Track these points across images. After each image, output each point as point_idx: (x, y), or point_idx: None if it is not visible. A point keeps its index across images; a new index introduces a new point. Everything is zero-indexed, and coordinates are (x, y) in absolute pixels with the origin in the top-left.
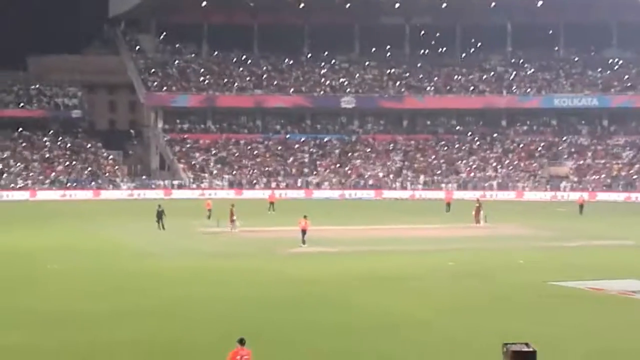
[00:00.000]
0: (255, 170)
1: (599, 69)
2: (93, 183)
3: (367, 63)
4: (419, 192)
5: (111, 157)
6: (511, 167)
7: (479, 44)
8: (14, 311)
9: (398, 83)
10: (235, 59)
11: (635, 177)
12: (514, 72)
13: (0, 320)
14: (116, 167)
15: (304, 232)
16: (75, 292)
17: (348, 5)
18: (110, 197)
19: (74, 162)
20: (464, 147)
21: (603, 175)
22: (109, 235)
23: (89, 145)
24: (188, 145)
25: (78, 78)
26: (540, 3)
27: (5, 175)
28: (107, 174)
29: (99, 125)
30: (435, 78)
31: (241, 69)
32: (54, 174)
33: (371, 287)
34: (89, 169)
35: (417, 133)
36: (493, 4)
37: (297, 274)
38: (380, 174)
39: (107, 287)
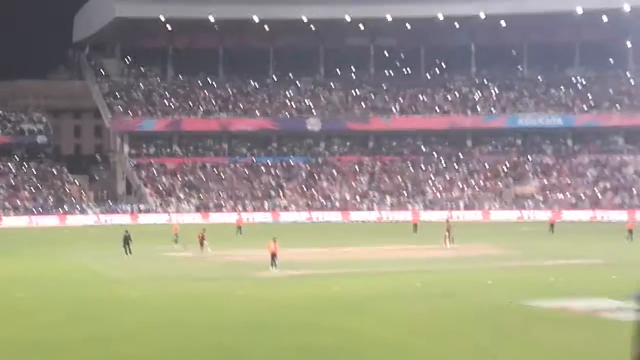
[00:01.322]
0: (222, 194)
1: (562, 88)
2: (59, 209)
3: (332, 85)
4: (386, 214)
5: (77, 182)
6: (477, 187)
7: (444, 64)
8: None
9: (364, 104)
10: (200, 83)
11: (600, 195)
12: (479, 92)
13: None
14: (82, 192)
15: (273, 255)
16: (39, 320)
17: (313, 27)
18: (77, 222)
19: (39, 188)
20: (430, 168)
21: (568, 194)
22: (76, 261)
23: (55, 170)
24: (154, 170)
25: (43, 103)
26: (503, 23)
27: None
28: (73, 200)
29: (65, 150)
30: (401, 99)
31: (207, 92)
32: (19, 200)
33: (340, 309)
34: (55, 194)
35: (383, 154)
36: (457, 24)
37: (267, 297)
38: (347, 196)
39: (71, 314)
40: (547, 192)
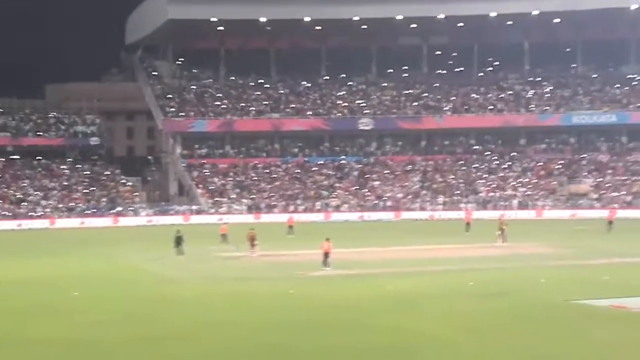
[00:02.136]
0: (273, 194)
1: (617, 86)
2: (112, 210)
3: (384, 84)
4: (438, 213)
5: (130, 183)
6: (530, 186)
7: (496, 62)
8: (37, 340)
9: (416, 103)
10: (252, 83)
11: None
12: (532, 90)
13: (23, 349)
14: (135, 193)
15: (326, 254)
16: (94, 318)
17: (364, 26)
18: (129, 223)
19: (92, 190)
20: (482, 167)
21: (623, 192)
22: (129, 261)
23: (108, 172)
24: (206, 171)
25: (96, 105)
26: (557, 20)
27: (24, 203)
28: (125, 201)
29: (117, 152)
30: (453, 98)
31: (258, 92)
32: (72, 202)
33: (394, 308)
34: (108, 195)
35: (436, 153)
36: (509, 22)
37: (319, 296)
38: (399, 195)
39: (127, 314)
40: (602, 190)
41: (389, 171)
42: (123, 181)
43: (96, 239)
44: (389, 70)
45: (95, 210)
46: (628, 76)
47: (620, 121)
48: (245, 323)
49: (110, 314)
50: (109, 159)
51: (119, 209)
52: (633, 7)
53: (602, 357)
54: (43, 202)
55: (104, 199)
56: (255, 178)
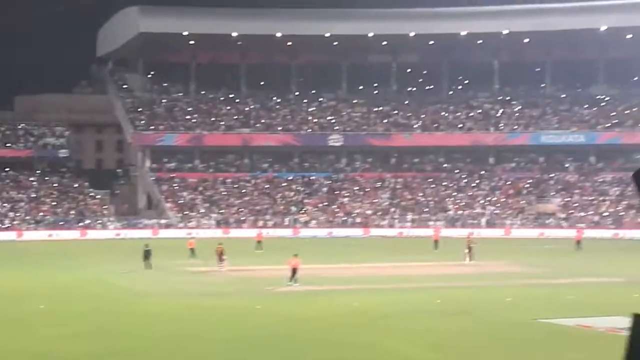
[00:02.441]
0: (242, 209)
1: (586, 106)
2: (80, 223)
3: (354, 101)
4: (407, 230)
5: (98, 196)
6: (499, 205)
7: (466, 81)
8: (1, 353)
9: (386, 121)
10: (222, 98)
11: (622, 213)
12: (501, 109)
13: None
14: (103, 206)
15: (294, 270)
16: (61, 332)
17: (336, 43)
18: (97, 236)
19: (61, 202)
20: (451, 185)
21: (591, 212)
22: (96, 275)
23: (76, 184)
24: (175, 185)
25: (65, 117)
26: (526, 40)
27: None
28: (94, 214)
29: (86, 164)
30: (423, 115)
31: (229, 107)
32: (40, 214)
33: (359, 324)
34: (76, 208)
35: (405, 171)
36: (479, 41)
37: (286, 312)
38: (368, 212)
39: (93, 327)
40: (570, 209)
41: (358, 188)
42: (92, 194)
43: (64, 252)
44: (359, 87)
45: (63, 223)
46: (597, 97)
47: (589, 141)
48: (211, 338)
49: (76, 327)
50: (77, 171)
51: (87, 221)
52: (602, 28)
53: None
54: (10, 214)
55: (72, 212)
56: (225, 193)
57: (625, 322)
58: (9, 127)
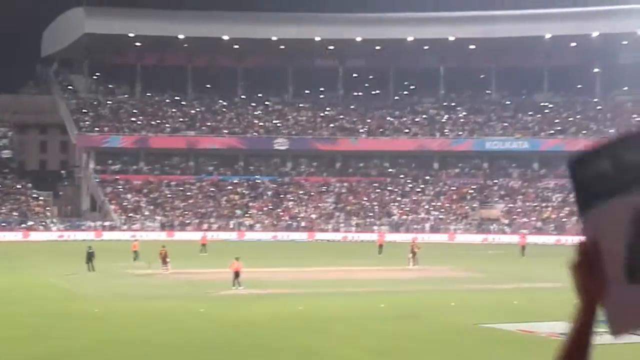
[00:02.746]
0: (187, 212)
1: (530, 113)
2: (22, 224)
3: (300, 105)
4: (352, 234)
5: (41, 197)
6: (443, 210)
7: (412, 86)
8: None
9: (331, 125)
10: (168, 100)
11: (565, 220)
12: (447, 115)
13: None
14: (46, 208)
15: (236, 273)
16: (3, 335)
17: (282, 47)
18: (40, 238)
19: (3, 203)
20: (396, 190)
21: (533, 218)
22: (39, 277)
23: (19, 185)
24: (120, 187)
25: (9, 118)
26: (472, 47)
27: None
28: (37, 215)
29: (30, 165)
30: (369, 120)
31: (174, 110)
32: None
33: (302, 329)
34: (19, 209)
35: (350, 175)
36: (426, 47)
37: (230, 316)
38: (313, 216)
39: (34, 330)
40: (513, 215)
41: (303, 192)
42: (35, 195)
43: (6, 253)
44: (305, 91)
45: (5, 224)
46: (541, 104)
47: (532, 148)
48: (154, 342)
49: (17, 330)
50: (20, 172)
51: (30, 223)
52: (547, 36)
53: None
54: None
55: (15, 213)
56: (169, 195)
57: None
58: None
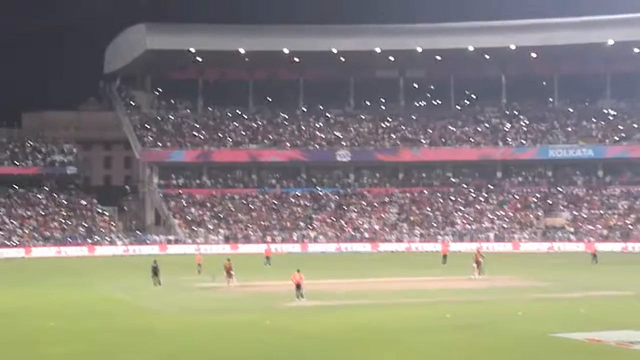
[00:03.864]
0: (250, 225)
1: (594, 120)
2: (88, 239)
3: (362, 116)
4: (415, 245)
5: (106, 213)
6: (507, 219)
7: (473, 95)
8: None
9: (393, 136)
10: (230, 114)
11: (631, 227)
12: (509, 124)
13: None
14: (111, 222)
15: (298, 285)
16: (70, 350)
17: (343, 59)
18: (106, 253)
19: (69, 219)
20: (459, 199)
21: (599, 226)
22: (105, 292)
23: (84, 201)
24: (183, 201)
25: (73, 134)
26: (533, 55)
27: (0, 232)
28: (102, 230)
29: (94, 181)
30: (430, 130)
31: (236, 123)
32: (48, 231)
33: (369, 340)
34: (84, 225)
35: (413, 185)
36: (487, 56)
37: (295, 328)
38: (376, 227)
39: (102, 345)
40: (578, 223)
41: (366, 203)
42: (100, 210)
43: (72, 269)
44: (366, 102)
45: (71, 240)
46: (604, 110)
47: (597, 155)
48: (220, 355)
49: (85, 345)
50: (85, 188)
51: (96, 238)
52: (609, 42)
53: None
54: (19, 231)
55: (81, 228)
56: (233, 209)
57: (636, 335)
58: (17, 144)
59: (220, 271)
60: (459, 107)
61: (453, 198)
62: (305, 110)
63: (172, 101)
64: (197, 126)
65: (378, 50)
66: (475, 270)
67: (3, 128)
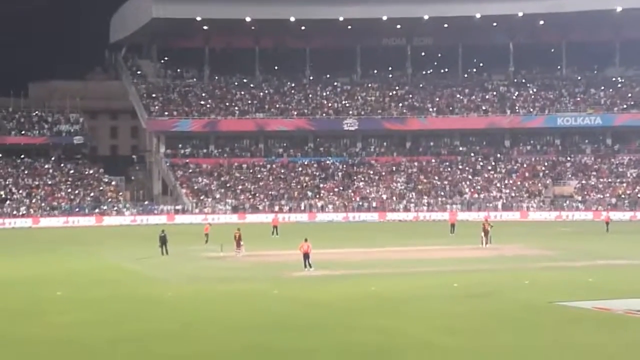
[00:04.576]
0: (258, 194)
1: (602, 88)
2: (96, 209)
3: (369, 85)
4: (423, 214)
5: (113, 182)
6: (515, 187)
7: (481, 63)
8: (17, 341)
9: (400, 104)
10: (236, 83)
11: None
12: (517, 92)
13: (7, 349)
14: (119, 192)
15: (306, 255)
16: (79, 319)
17: (349, 27)
18: (113, 223)
19: (76, 189)
20: (467, 168)
21: (607, 195)
22: (113, 261)
23: (91, 171)
24: (190, 170)
25: (80, 104)
26: (541, 22)
27: (7, 202)
28: (109, 200)
29: (101, 151)
30: (438, 99)
31: (243, 92)
32: (56, 201)
33: (375, 309)
34: (92, 195)
35: (420, 154)
36: (494, 23)
37: (303, 297)
38: (384, 196)
39: (111, 314)
40: (586, 192)
41: (373, 172)
42: (107, 180)
43: (80, 238)
44: (373, 71)
45: (79, 210)
46: (613, 78)
47: (605, 123)
48: (229, 323)
49: (94, 314)
50: (92, 158)
51: (103, 208)
52: (618, 9)
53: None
54: (26, 201)
55: (88, 198)
56: (240, 178)
57: None
58: (24, 114)
59: (228, 241)
60: (466, 76)
61: (461, 167)
62: (312, 79)
63: (179, 70)
64: (204, 95)
65: (385, 18)
66: (483, 239)
67: (10, 98)
